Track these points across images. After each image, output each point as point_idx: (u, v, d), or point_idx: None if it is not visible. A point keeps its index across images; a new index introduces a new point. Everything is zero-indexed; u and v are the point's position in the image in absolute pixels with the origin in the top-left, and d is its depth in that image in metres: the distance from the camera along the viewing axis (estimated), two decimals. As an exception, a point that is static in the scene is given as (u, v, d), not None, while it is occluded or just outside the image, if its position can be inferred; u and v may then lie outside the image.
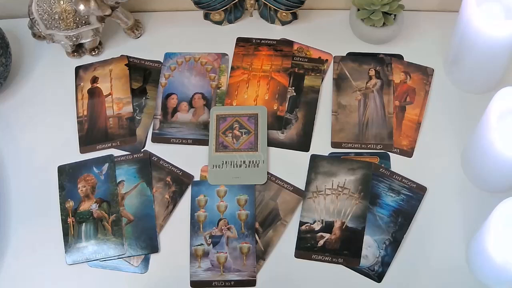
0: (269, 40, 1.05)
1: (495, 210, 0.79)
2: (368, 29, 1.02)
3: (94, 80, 1.03)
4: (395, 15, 1.02)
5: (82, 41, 1.02)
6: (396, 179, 0.93)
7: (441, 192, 0.93)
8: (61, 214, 0.93)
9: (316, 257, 0.89)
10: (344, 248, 0.89)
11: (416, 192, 0.92)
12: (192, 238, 0.91)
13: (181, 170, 0.96)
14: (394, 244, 0.89)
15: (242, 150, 0.96)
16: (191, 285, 0.89)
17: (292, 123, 0.99)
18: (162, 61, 1.04)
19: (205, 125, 0.99)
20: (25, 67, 1.06)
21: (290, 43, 1.05)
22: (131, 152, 0.98)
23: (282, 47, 1.05)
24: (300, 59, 1.03)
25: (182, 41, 1.06)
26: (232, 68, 1.03)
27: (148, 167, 0.96)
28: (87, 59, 1.06)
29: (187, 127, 0.99)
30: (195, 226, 0.92)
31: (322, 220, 0.91)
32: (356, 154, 0.96)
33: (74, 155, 0.98)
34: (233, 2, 1.03)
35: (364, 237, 0.90)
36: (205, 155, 0.96)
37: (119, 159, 0.97)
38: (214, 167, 0.95)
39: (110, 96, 1.02)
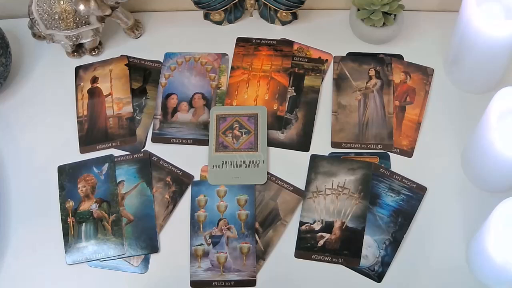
0: (269, 40, 1.05)
1: (495, 210, 0.79)
2: (368, 29, 1.02)
3: (94, 80, 1.03)
4: (395, 15, 1.02)
5: (82, 41, 1.02)
6: (396, 179, 0.93)
7: (441, 192, 0.93)
8: (61, 214, 0.93)
9: (316, 257, 0.89)
10: (344, 248, 0.89)
11: (416, 192, 0.92)
12: (192, 238, 0.91)
13: (181, 170, 0.96)
14: (394, 244, 0.89)
15: (242, 150, 0.96)
16: (191, 285, 0.89)
17: (292, 123, 0.99)
18: (162, 61, 1.04)
19: (205, 125, 0.99)
20: (25, 67, 1.06)
21: (290, 43, 1.05)
22: (131, 152, 0.98)
23: (282, 47, 1.05)
24: (300, 59, 1.03)
25: (182, 41, 1.06)
26: (232, 68, 1.03)
27: (148, 167, 0.96)
28: (87, 59, 1.06)
29: (187, 127, 0.99)
30: (195, 226, 0.92)
31: (322, 220, 0.91)
32: (356, 154, 0.96)
33: (74, 155, 0.98)
34: (233, 2, 1.03)
35: (364, 237, 0.90)
36: (205, 155, 0.96)
37: (119, 159, 0.97)
38: (214, 167, 0.95)
39: (110, 96, 1.02)
